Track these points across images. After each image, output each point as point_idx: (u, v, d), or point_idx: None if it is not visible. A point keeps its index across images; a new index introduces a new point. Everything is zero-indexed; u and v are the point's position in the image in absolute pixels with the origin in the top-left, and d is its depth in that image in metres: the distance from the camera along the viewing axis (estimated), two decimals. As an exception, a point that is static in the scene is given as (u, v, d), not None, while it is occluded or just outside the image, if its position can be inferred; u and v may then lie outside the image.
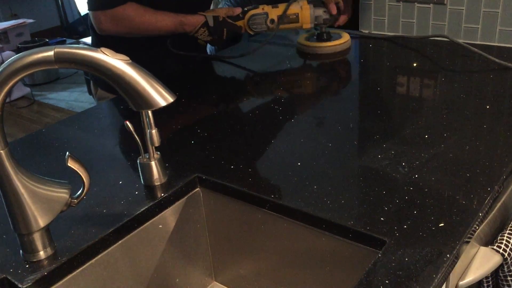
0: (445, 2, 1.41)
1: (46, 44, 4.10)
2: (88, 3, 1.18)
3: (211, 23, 1.21)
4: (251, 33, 1.29)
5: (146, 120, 0.76)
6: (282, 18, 1.26)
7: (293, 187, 0.77)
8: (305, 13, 1.26)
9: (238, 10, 1.26)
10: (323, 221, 0.70)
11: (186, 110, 1.10)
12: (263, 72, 1.33)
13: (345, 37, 1.36)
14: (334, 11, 1.28)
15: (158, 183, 0.81)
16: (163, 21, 1.17)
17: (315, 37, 1.38)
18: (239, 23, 1.27)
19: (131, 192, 0.80)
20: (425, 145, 0.86)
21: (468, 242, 0.66)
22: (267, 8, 1.28)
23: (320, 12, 1.28)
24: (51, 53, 0.58)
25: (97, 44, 1.34)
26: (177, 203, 0.81)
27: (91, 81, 1.44)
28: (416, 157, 0.82)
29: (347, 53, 1.36)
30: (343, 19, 1.32)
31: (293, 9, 1.27)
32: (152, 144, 0.78)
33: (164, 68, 1.33)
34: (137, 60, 0.62)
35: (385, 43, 1.39)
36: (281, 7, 1.28)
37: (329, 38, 1.35)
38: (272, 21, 1.26)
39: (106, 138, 1.02)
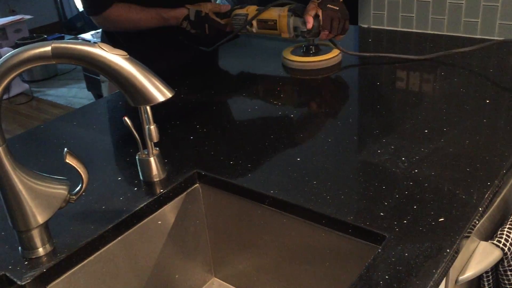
0: (444, -4, 1.41)
1: (44, 40, 4.08)
2: (84, 9, 1.26)
3: (192, 17, 1.20)
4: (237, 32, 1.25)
5: (145, 115, 0.76)
6: (261, 23, 1.20)
7: (292, 183, 0.77)
8: (282, 22, 1.17)
9: (226, 8, 1.24)
10: (322, 216, 0.70)
11: (185, 105, 1.10)
12: (263, 69, 1.32)
13: (334, 52, 1.23)
14: (309, 24, 1.14)
15: (157, 179, 0.81)
16: (146, 19, 1.21)
17: (302, 50, 1.26)
18: (225, 20, 1.24)
19: (130, 188, 0.80)
20: (424, 139, 0.85)
21: (468, 237, 0.66)
22: (250, 10, 1.22)
23: (298, 23, 1.17)
24: (48, 48, 0.58)
25: (105, 37, 1.38)
26: (176, 199, 0.81)
27: None
28: (415, 152, 0.82)
29: (335, 70, 1.22)
30: (324, 35, 1.17)
31: (272, 15, 1.18)
32: (151, 140, 0.78)
33: (169, 61, 1.33)
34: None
35: (384, 36, 1.38)
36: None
37: (316, 52, 1.24)
38: (251, 24, 1.20)
39: (105, 134, 1.02)
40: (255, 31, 1.21)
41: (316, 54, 1.23)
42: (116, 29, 1.28)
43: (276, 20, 1.17)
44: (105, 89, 1.39)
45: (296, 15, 1.17)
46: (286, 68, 1.26)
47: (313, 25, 1.14)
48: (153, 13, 1.21)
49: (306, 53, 1.24)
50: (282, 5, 1.19)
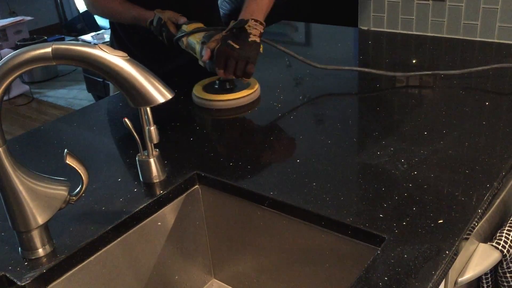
0: (444, -1, 1.42)
1: (45, 41, 4.09)
2: None
3: (154, 22, 1.17)
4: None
5: (145, 117, 0.76)
6: (188, 43, 1.12)
7: (292, 184, 0.77)
8: (197, 48, 1.09)
9: (183, 19, 1.17)
10: (322, 218, 0.70)
11: (185, 107, 1.10)
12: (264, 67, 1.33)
13: (252, 88, 1.09)
14: (205, 56, 1.05)
15: (157, 180, 0.81)
16: (124, 13, 1.22)
17: (215, 86, 1.11)
18: (175, 31, 1.17)
19: (130, 189, 0.80)
20: (424, 141, 0.85)
21: (467, 238, 0.66)
22: (191, 27, 1.13)
23: (204, 53, 1.06)
24: (48, 49, 0.58)
25: (113, 38, 1.40)
26: (176, 200, 0.81)
27: None
28: (415, 154, 0.82)
29: (255, 105, 1.07)
30: (220, 74, 1.04)
31: (196, 38, 1.10)
32: (151, 141, 0.78)
33: (177, 63, 1.33)
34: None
35: (384, 39, 1.39)
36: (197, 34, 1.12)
37: (231, 88, 1.09)
38: (182, 42, 1.13)
39: (105, 136, 1.02)
40: (184, 48, 1.15)
41: (231, 90, 1.09)
42: (101, 15, 1.32)
43: (196, 44, 1.10)
44: (112, 88, 1.39)
45: (205, 44, 1.07)
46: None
47: (210, 59, 1.04)
48: (131, 9, 1.21)
49: (220, 88, 1.10)
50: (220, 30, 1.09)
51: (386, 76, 1.13)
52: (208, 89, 1.11)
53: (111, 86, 1.43)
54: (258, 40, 1.04)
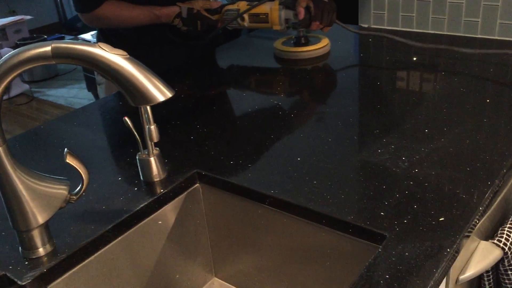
0: (444, -4, 1.41)
1: (44, 40, 4.08)
2: (73, 5, 1.27)
3: (184, 14, 1.22)
4: (229, 28, 1.29)
5: (145, 115, 0.76)
6: (252, 16, 1.24)
7: (293, 182, 0.77)
8: (274, 14, 1.22)
9: (217, 4, 1.27)
10: (323, 216, 0.70)
11: (185, 105, 1.10)
12: (265, 67, 1.32)
13: (323, 42, 1.31)
14: (301, 15, 1.21)
15: (158, 179, 0.81)
16: (138, 16, 1.22)
17: (292, 41, 1.33)
18: (216, 16, 1.27)
19: (130, 188, 0.80)
20: (425, 139, 0.85)
21: (468, 236, 0.66)
22: (242, 5, 1.25)
23: (290, 15, 1.22)
24: (48, 48, 0.58)
25: (99, 38, 1.39)
26: (176, 199, 0.81)
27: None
28: (416, 152, 0.82)
29: (326, 58, 1.30)
30: (315, 26, 1.23)
31: (264, 9, 1.23)
32: (151, 140, 0.78)
33: (166, 62, 1.33)
34: (138, 55, 0.61)
35: (384, 37, 1.38)
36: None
37: (306, 43, 1.31)
38: (243, 18, 1.24)
39: (105, 134, 1.02)
40: (247, 25, 1.25)
41: (306, 44, 1.30)
42: (105, 26, 1.29)
43: (267, 14, 1.22)
44: (101, 91, 1.39)
45: (287, 7, 1.22)
46: (280, 59, 1.31)
47: (304, 16, 1.20)
48: (145, 11, 1.22)
49: (297, 44, 1.30)
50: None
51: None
52: (287, 44, 1.33)
53: (100, 89, 1.42)
54: None
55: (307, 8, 1.20)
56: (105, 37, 1.35)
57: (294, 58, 1.29)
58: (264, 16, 1.22)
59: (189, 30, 1.24)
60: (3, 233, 0.72)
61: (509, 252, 0.75)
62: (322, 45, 1.30)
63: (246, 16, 1.24)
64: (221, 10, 1.27)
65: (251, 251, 0.83)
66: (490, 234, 0.79)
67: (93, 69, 0.60)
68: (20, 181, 0.63)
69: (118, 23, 1.25)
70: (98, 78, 1.40)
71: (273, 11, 1.22)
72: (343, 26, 1.32)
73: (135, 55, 0.61)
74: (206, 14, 1.24)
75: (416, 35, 1.39)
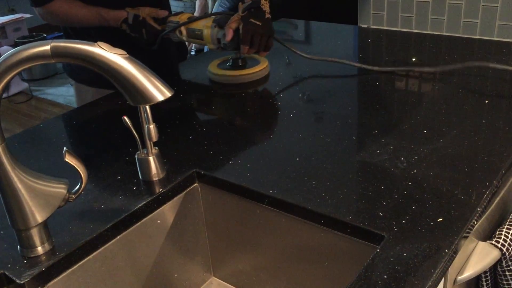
0: (444, -3, 1.41)
1: (44, 39, 4.08)
2: None
3: (130, 20, 1.19)
4: (173, 39, 1.24)
5: (144, 115, 0.76)
6: (189, 31, 1.19)
7: (291, 182, 0.77)
8: (206, 32, 1.17)
9: (163, 13, 1.22)
10: (321, 216, 0.70)
11: (184, 105, 1.10)
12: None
13: (262, 65, 1.22)
14: (229, 36, 1.12)
15: (156, 178, 0.81)
16: (86, 16, 1.21)
17: (228, 64, 1.25)
18: (162, 26, 1.22)
19: (129, 187, 0.80)
20: (423, 140, 0.85)
21: (466, 237, 0.66)
22: (183, 18, 1.20)
23: (221, 34, 1.15)
24: (47, 47, 0.58)
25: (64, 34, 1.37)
26: (175, 199, 0.81)
27: (67, 73, 1.43)
28: (414, 152, 0.82)
29: (264, 81, 1.21)
30: (245, 50, 1.13)
31: (199, 25, 1.18)
32: (150, 139, 0.78)
33: (160, 63, 1.33)
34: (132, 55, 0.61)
35: (384, 37, 1.38)
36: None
37: (243, 65, 1.22)
38: (180, 32, 1.19)
39: (104, 133, 1.02)
40: (185, 39, 1.21)
41: (243, 67, 1.22)
42: (58, 23, 1.28)
43: (202, 30, 1.17)
44: (74, 92, 1.37)
45: (220, 26, 1.15)
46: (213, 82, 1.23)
47: (232, 38, 1.12)
48: (94, 12, 1.21)
49: (233, 67, 1.23)
50: (214, 14, 1.19)
51: (373, 71, 1.17)
52: (222, 67, 1.24)
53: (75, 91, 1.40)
54: (269, 16, 1.16)
55: (237, 30, 1.12)
56: (66, 35, 1.34)
57: (227, 82, 1.21)
58: (199, 33, 1.18)
59: (136, 37, 1.22)
60: (2, 232, 0.72)
61: (507, 253, 0.75)
62: (259, 68, 1.21)
63: (183, 30, 1.19)
64: (165, 21, 1.22)
65: (249, 250, 0.84)
66: (488, 235, 0.79)
67: (93, 68, 0.60)
68: (19, 180, 0.63)
69: (67, 21, 1.24)
70: (70, 79, 1.38)
71: (206, 29, 1.17)
72: (289, 48, 1.23)
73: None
74: (151, 22, 1.21)
75: (415, 35, 1.39)
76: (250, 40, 1.12)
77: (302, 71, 1.24)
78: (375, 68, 1.16)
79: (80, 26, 1.26)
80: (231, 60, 1.24)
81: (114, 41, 1.22)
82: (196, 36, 1.18)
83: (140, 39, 1.20)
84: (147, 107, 0.75)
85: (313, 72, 1.22)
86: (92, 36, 1.27)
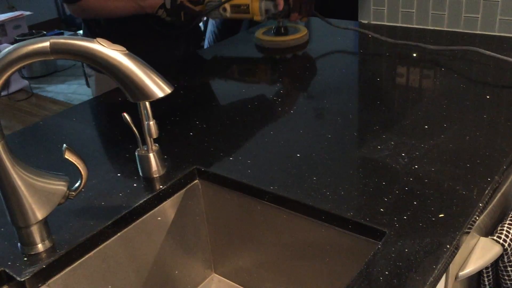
0: (445, -8, 1.40)
1: (43, 36, 4.07)
2: None
3: (168, 5, 1.23)
4: (211, 18, 1.32)
5: (144, 111, 0.76)
6: (234, 7, 1.27)
7: (292, 179, 0.77)
8: (254, 5, 1.26)
9: None
10: (322, 212, 0.70)
11: (184, 101, 1.10)
12: (263, 63, 1.32)
13: (303, 31, 1.37)
14: (280, 6, 1.26)
15: (157, 175, 0.81)
16: (124, 7, 1.23)
17: (272, 31, 1.39)
18: (199, 7, 1.28)
19: (129, 184, 0.80)
20: (425, 135, 0.85)
21: (468, 232, 0.66)
22: None
23: (270, 5, 1.26)
24: (46, 44, 0.58)
25: (85, 30, 1.39)
26: (176, 195, 0.81)
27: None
28: (416, 148, 0.81)
29: (305, 46, 1.37)
30: (294, 16, 1.30)
31: (244, 0, 1.27)
32: (150, 136, 0.77)
33: (160, 58, 1.33)
34: (132, 50, 0.61)
35: (384, 32, 1.38)
36: None
37: (286, 32, 1.37)
38: (224, 9, 1.27)
39: (104, 130, 1.02)
40: (228, 16, 1.28)
41: (286, 34, 1.37)
42: (91, 17, 1.30)
43: (248, 4, 1.26)
44: (92, 82, 1.38)
45: None
46: (261, 48, 1.37)
47: (283, 7, 1.25)
48: (131, 2, 1.23)
49: (277, 34, 1.37)
50: None
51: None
52: (268, 34, 1.39)
53: (91, 80, 1.40)
54: None
55: (286, 0, 1.25)
56: (89, 29, 1.35)
57: (273, 47, 1.36)
58: (245, 7, 1.26)
59: (173, 20, 1.26)
60: (2, 229, 0.72)
61: (508, 249, 0.75)
62: (300, 34, 1.36)
63: (227, 6, 1.27)
64: (203, 1, 1.29)
65: (250, 247, 0.83)
66: (489, 231, 0.79)
67: (92, 65, 0.60)
68: (19, 177, 0.63)
69: (103, 14, 1.26)
70: (88, 70, 1.40)
71: (253, 2, 1.25)
72: (322, 18, 1.38)
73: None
74: (189, 4, 1.26)
75: (416, 31, 1.39)
76: (299, 7, 1.28)
77: (302, 67, 1.23)
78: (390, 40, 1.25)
79: (115, 17, 1.28)
80: (274, 29, 1.38)
81: (139, 29, 1.24)
82: (241, 11, 1.28)
83: (177, 22, 1.26)
84: (147, 103, 0.75)
85: (313, 68, 1.22)
86: (116, 26, 1.29)
